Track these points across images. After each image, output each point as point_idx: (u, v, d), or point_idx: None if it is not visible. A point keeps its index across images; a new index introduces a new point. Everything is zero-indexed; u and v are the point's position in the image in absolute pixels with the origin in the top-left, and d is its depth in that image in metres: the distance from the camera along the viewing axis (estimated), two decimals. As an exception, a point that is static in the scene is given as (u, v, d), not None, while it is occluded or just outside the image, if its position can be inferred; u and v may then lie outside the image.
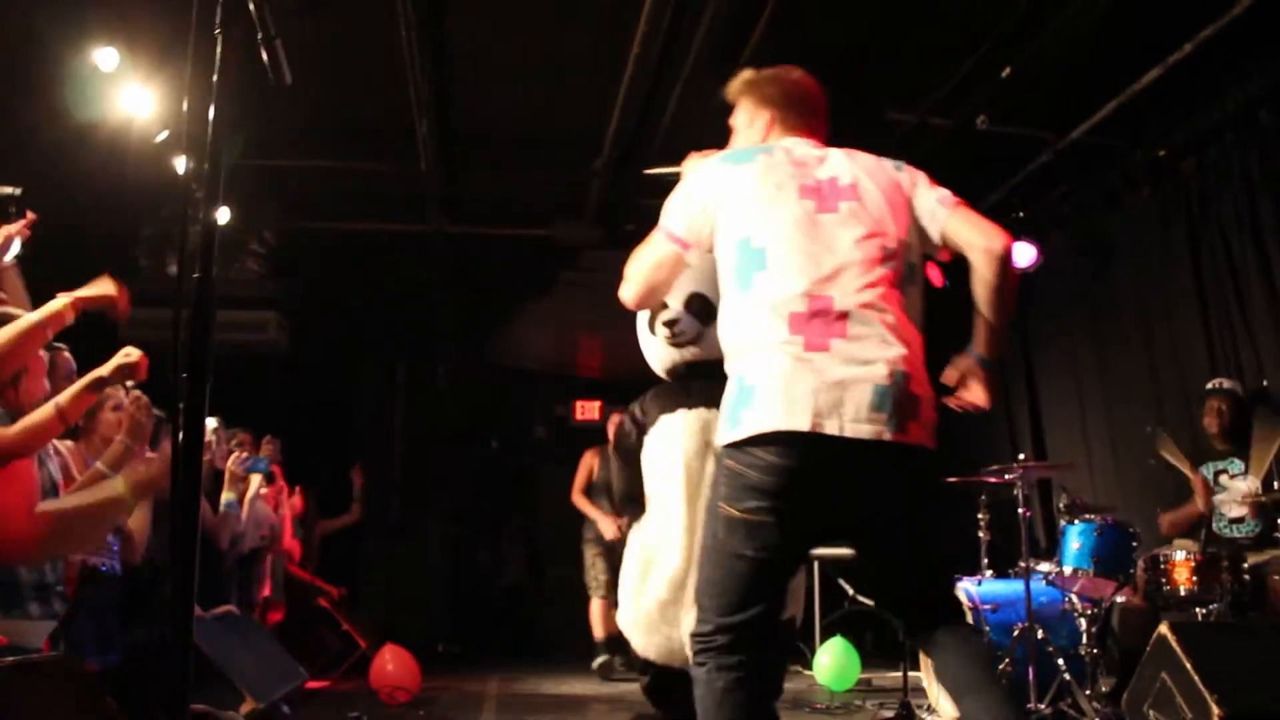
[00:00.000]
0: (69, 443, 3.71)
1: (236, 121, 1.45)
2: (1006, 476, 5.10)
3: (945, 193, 2.55)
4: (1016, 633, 4.83)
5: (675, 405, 3.56)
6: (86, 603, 3.72)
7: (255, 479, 5.54)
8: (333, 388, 9.08)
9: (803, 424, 2.24)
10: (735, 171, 2.54)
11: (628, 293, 2.73)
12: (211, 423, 5.14)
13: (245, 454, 5.52)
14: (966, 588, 5.17)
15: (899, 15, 5.53)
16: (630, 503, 3.68)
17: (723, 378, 3.56)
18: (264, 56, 1.46)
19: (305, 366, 8.49)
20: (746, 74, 2.80)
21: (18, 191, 2.33)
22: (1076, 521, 4.95)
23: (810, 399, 2.25)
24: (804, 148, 2.61)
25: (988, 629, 4.95)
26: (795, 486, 2.28)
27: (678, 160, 2.95)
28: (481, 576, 9.79)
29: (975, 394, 2.50)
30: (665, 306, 3.61)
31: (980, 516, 5.51)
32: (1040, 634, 4.78)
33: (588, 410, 9.81)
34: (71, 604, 3.53)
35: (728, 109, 6.21)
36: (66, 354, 3.55)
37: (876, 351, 2.31)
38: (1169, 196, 6.28)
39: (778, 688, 3.08)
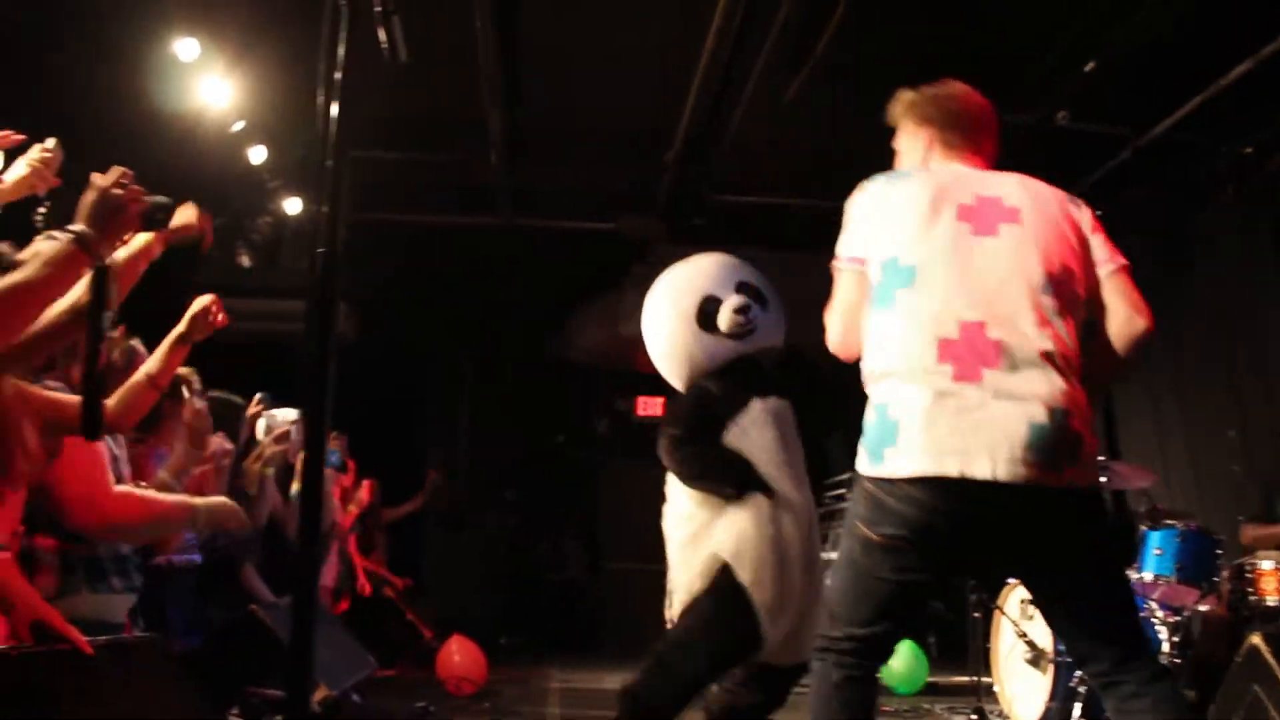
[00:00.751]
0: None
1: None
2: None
3: (1116, 253, 2.42)
4: (1094, 639, 4.72)
5: (764, 390, 3.27)
6: (170, 592, 3.77)
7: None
8: (400, 380, 9.13)
9: (950, 469, 2.13)
10: (891, 188, 2.43)
11: (834, 340, 2.53)
12: (292, 414, 5.17)
13: None
14: (1041, 592, 5.07)
15: (975, 12, 5.43)
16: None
17: (761, 371, 3.44)
18: (381, 34, 1.43)
19: (373, 358, 8.55)
20: (905, 95, 2.68)
21: (170, 201, 2.28)
22: (1158, 528, 4.84)
23: (957, 439, 2.14)
24: (967, 169, 2.50)
25: (1064, 634, 4.86)
26: (938, 524, 2.19)
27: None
28: (540, 570, 9.82)
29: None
30: (719, 300, 3.46)
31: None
32: (1120, 641, 4.67)
33: (650, 406, 9.77)
34: (157, 592, 3.59)
35: (798, 104, 6.18)
36: (140, 346, 3.56)
37: (1033, 385, 2.18)
38: (1256, 194, 6.12)
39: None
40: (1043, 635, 4.95)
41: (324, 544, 5.84)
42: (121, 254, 2.49)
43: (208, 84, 5.57)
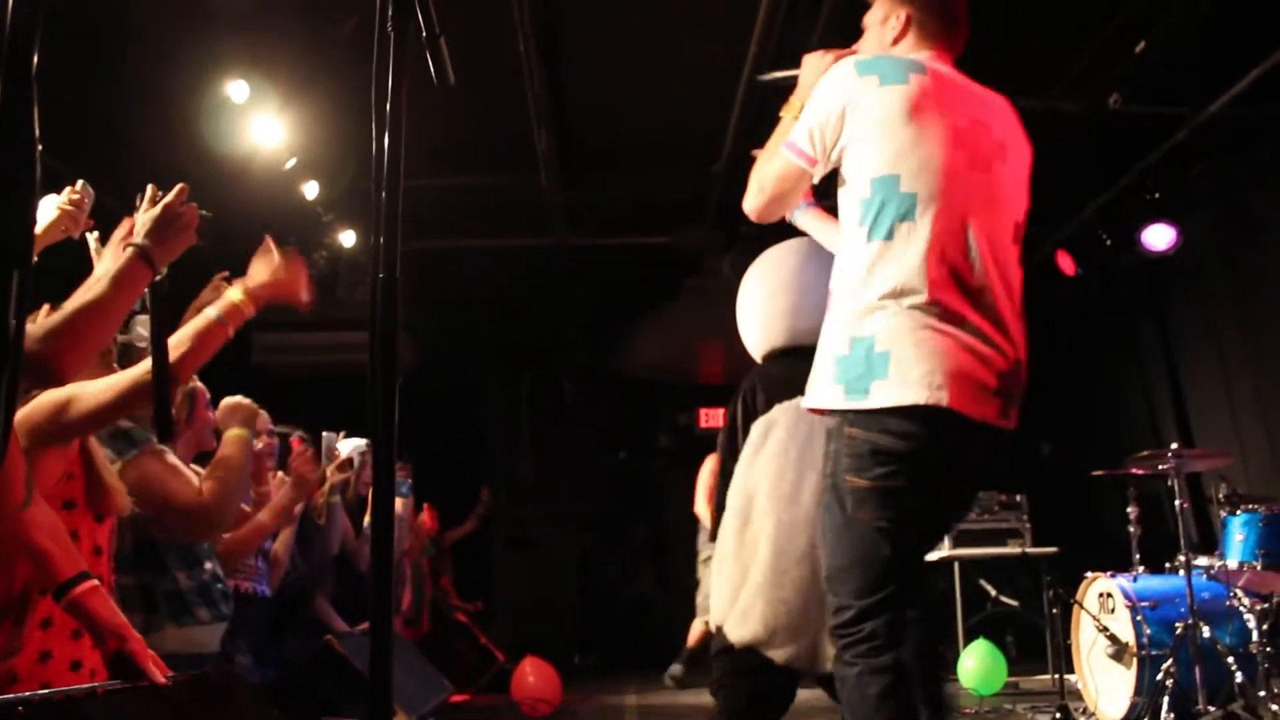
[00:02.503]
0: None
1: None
2: (1160, 467, 4.87)
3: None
4: (1179, 630, 4.61)
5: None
6: (241, 624, 3.81)
7: (396, 502, 5.59)
8: (459, 405, 9.19)
9: (942, 399, 2.13)
10: (880, 92, 2.28)
11: (753, 204, 2.51)
12: (360, 444, 5.23)
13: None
14: (1121, 584, 4.96)
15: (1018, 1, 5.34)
16: None
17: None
18: (429, 58, 1.45)
19: (433, 383, 8.62)
20: None
21: (208, 215, 2.29)
22: (1239, 512, 4.72)
23: (944, 374, 2.14)
24: (955, 77, 2.42)
25: (1148, 628, 4.75)
26: (928, 457, 2.19)
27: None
28: (611, 587, 9.81)
29: None
30: None
31: (1130, 510, 5.27)
32: (1207, 632, 4.55)
33: (712, 418, 9.74)
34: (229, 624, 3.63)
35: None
36: (200, 385, 3.58)
37: (1003, 331, 2.23)
38: (1319, 167, 5.97)
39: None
40: (1125, 628, 4.85)
41: (398, 571, 5.87)
42: (212, 311, 2.44)
43: (259, 124, 5.66)
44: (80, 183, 2.66)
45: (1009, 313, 2.25)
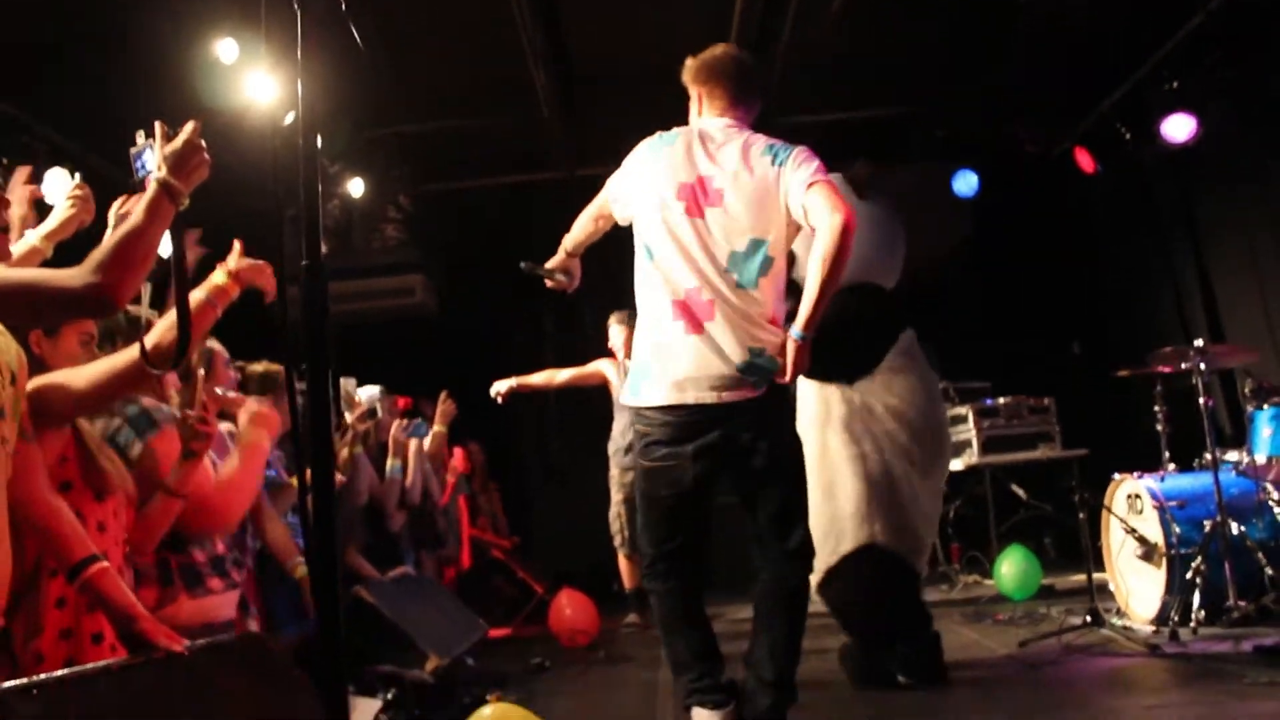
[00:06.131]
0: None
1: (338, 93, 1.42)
2: (1184, 365, 4.81)
3: (809, 171, 3.00)
4: (1208, 528, 4.59)
5: None
6: (278, 575, 3.86)
7: (413, 443, 5.60)
8: (484, 345, 9.19)
9: (688, 398, 3.01)
10: (654, 159, 3.15)
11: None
12: (375, 391, 5.27)
13: (408, 421, 5.60)
14: (1149, 484, 4.92)
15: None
16: None
17: None
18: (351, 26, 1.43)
19: (455, 324, 8.63)
20: (687, 61, 3.33)
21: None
22: (1266, 406, 4.66)
23: (686, 374, 3.01)
24: (713, 132, 3.16)
25: (1176, 528, 4.72)
26: (684, 439, 3.04)
27: None
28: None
29: (785, 369, 3.02)
30: None
31: (1157, 409, 5.20)
32: (1236, 528, 4.52)
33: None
34: (265, 576, 3.70)
35: (847, 14, 5.96)
36: (218, 346, 3.58)
37: (732, 331, 3.00)
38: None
39: None
40: (1153, 529, 4.83)
41: (427, 520, 5.89)
42: (199, 293, 2.55)
43: (253, 81, 5.60)
44: (77, 175, 3.03)
45: (734, 316, 3.00)
